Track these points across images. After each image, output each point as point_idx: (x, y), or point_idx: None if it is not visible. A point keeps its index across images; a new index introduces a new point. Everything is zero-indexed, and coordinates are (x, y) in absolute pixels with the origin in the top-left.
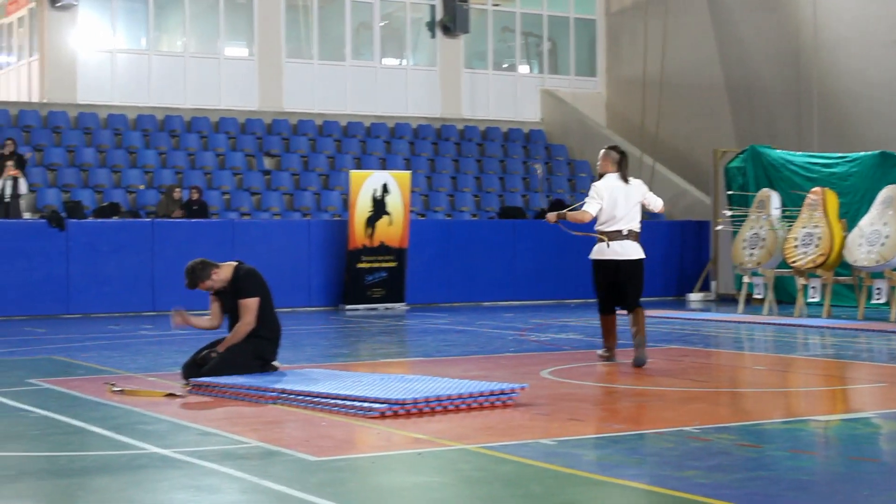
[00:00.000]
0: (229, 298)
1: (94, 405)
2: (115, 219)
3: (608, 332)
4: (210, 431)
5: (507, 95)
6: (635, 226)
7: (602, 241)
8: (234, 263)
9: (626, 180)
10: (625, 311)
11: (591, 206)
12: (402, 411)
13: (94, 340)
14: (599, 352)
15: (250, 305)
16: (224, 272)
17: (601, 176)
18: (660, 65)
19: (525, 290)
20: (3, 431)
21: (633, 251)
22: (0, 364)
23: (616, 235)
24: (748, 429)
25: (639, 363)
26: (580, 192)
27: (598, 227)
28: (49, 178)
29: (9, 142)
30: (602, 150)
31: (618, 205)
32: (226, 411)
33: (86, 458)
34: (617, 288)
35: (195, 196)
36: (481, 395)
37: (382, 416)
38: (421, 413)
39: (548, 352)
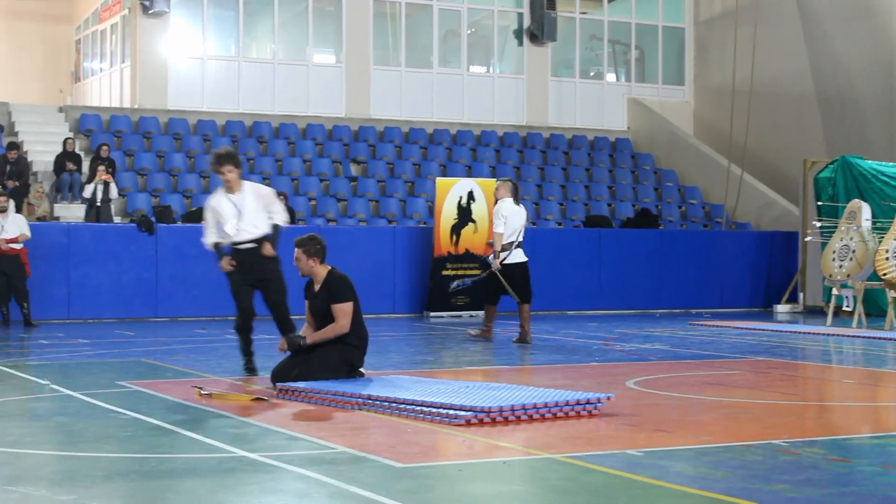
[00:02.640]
0: (320, 301)
1: (183, 408)
2: (202, 223)
3: (493, 317)
4: (297, 436)
5: (594, 104)
6: (521, 238)
7: (503, 252)
8: (329, 266)
9: (518, 204)
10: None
11: (499, 227)
12: (487, 419)
13: (182, 344)
14: (475, 331)
15: (345, 310)
16: (321, 268)
17: (497, 200)
18: (749, 74)
19: (610, 299)
20: (95, 432)
21: (523, 256)
22: (91, 366)
23: (512, 245)
24: (838, 443)
25: (522, 342)
26: (667, 202)
27: (505, 241)
28: (139, 183)
29: (104, 147)
30: (499, 181)
31: (515, 223)
32: (312, 416)
33: (175, 461)
34: (502, 284)
35: (282, 201)
36: (567, 404)
37: (468, 423)
38: (506, 421)
39: (633, 362)
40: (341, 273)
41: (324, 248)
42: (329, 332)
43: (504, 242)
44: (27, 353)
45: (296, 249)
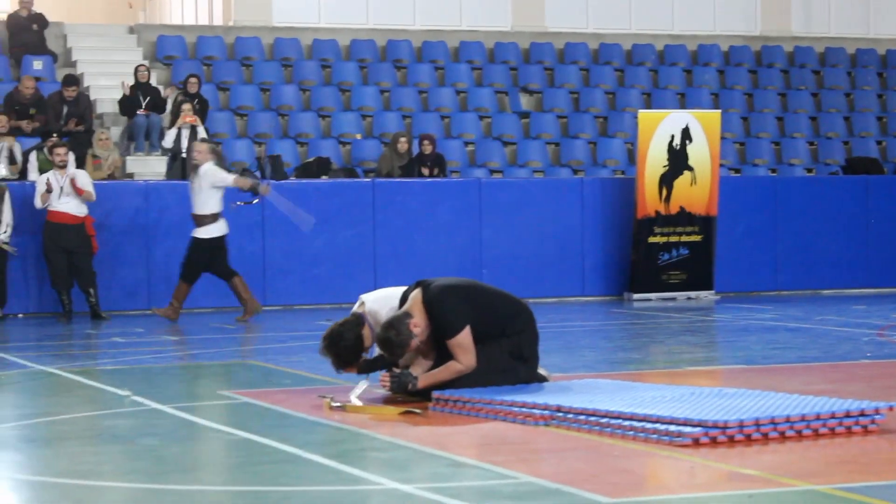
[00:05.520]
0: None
1: (309, 425)
2: (323, 179)
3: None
4: (463, 461)
5: (856, 4)
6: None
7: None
8: (416, 292)
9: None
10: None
11: (227, 178)
12: (722, 437)
13: (301, 340)
14: (163, 309)
15: (462, 343)
16: (417, 313)
17: (200, 166)
18: None
19: (883, 272)
20: (195, 458)
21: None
22: (185, 370)
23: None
24: None
25: (251, 314)
26: None
27: (214, 211)
28: (238, 127)
29: (192, 79)
30: (197, 142)
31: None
32: (482, 435)
33: (303, 496)
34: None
35: (428, 148)
36: (833, 416)
37: (696, 443)
38: (749, 440)
39: None
40: (435, 285)
41: (395, 325)
42: (446, 372)
43: (215, 212)
44: (97, 354)
45: (405, 352)
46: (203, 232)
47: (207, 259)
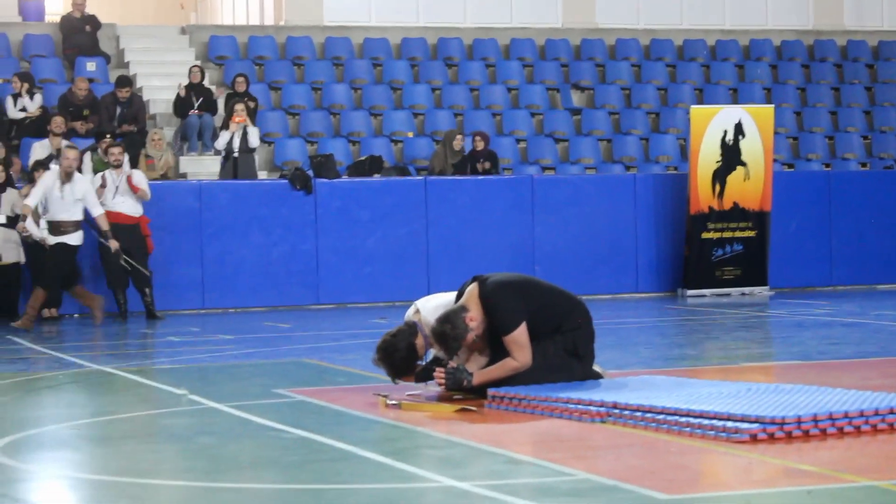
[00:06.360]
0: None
1: (365, 423)
2: (376, 177)
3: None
4: (521, 458)
5: None
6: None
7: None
8: (473, 286)
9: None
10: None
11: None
12: (780, 433)
13: (355, 338)
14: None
15: (518, 340)
16: (474, 306)
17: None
18: None
19: None
20: (253, 457)
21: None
22: (239, 369)
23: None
24: None
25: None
26: None
27: (80, 219)
28: (290, 126)
29: (240, 79)
30: (73, 150)
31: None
32: (538, 432)
33: (360, 493)
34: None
35: (480, 145)
36: (891, 411)
37: (753, 439)
38: (807, 436)
39: None
40: (491, 280)
41: (451, 318)
42: (502, 370)
43: (79, 220)
44: (153, 353)
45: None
46: (73, 239)
47: (71, 265)
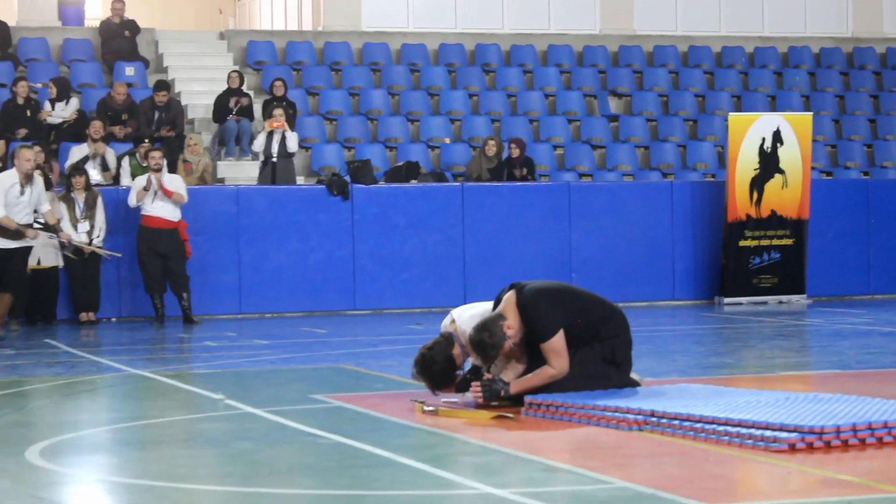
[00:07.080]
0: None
1: (402, 429)
2: (413, 183)
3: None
4: (557, 466)
5: None
6: None
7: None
8: (510, 294)
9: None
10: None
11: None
12: (819, 443)
13: (391, 344)
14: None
15: (556, 347)
16: (511, 314)
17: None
18: None
19: None
20: (290, 462)
21: None
22: (276, 375)
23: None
24: None
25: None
26: None
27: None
28: (327, 131)
29: (278, 83)
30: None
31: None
32: (575, 439)
33: (398, 499)
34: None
35: (516, 152)
36: None
37: (791, 448)
38: (846, 446)
39: None
40: (528, 289)
41: (489, 326)
42: (539, 378)
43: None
44: (190, 358)
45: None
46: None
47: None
